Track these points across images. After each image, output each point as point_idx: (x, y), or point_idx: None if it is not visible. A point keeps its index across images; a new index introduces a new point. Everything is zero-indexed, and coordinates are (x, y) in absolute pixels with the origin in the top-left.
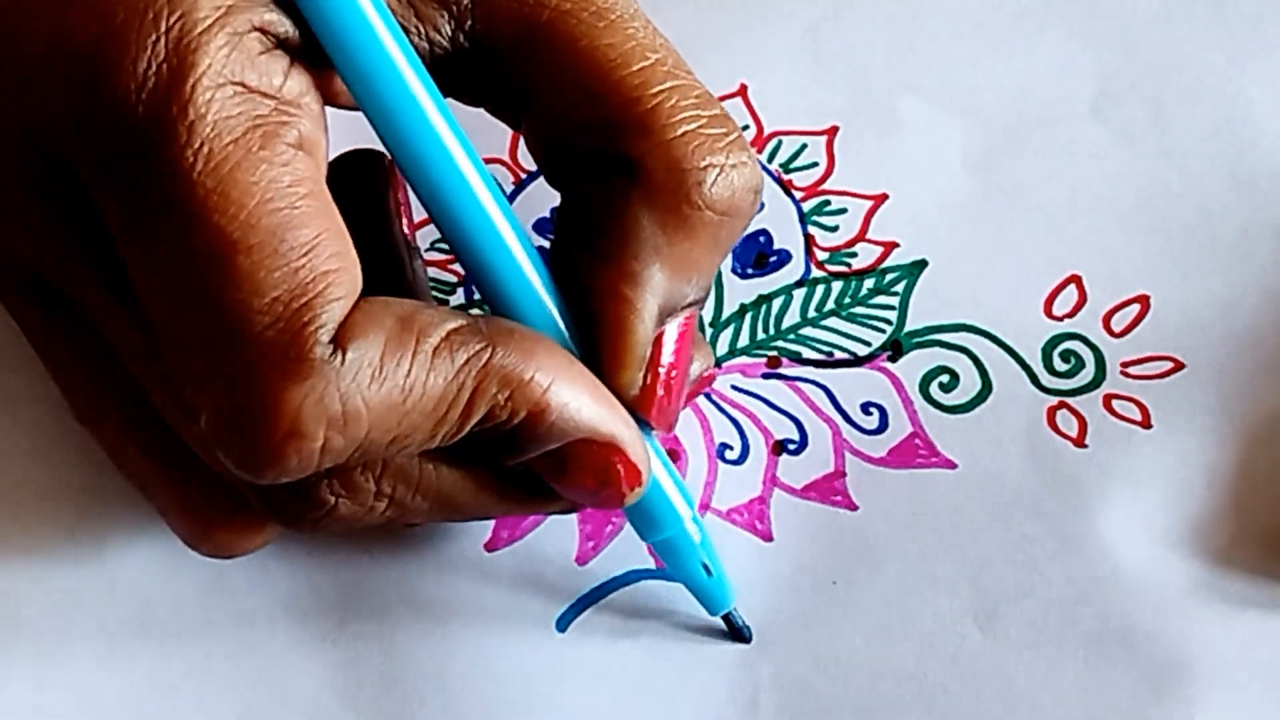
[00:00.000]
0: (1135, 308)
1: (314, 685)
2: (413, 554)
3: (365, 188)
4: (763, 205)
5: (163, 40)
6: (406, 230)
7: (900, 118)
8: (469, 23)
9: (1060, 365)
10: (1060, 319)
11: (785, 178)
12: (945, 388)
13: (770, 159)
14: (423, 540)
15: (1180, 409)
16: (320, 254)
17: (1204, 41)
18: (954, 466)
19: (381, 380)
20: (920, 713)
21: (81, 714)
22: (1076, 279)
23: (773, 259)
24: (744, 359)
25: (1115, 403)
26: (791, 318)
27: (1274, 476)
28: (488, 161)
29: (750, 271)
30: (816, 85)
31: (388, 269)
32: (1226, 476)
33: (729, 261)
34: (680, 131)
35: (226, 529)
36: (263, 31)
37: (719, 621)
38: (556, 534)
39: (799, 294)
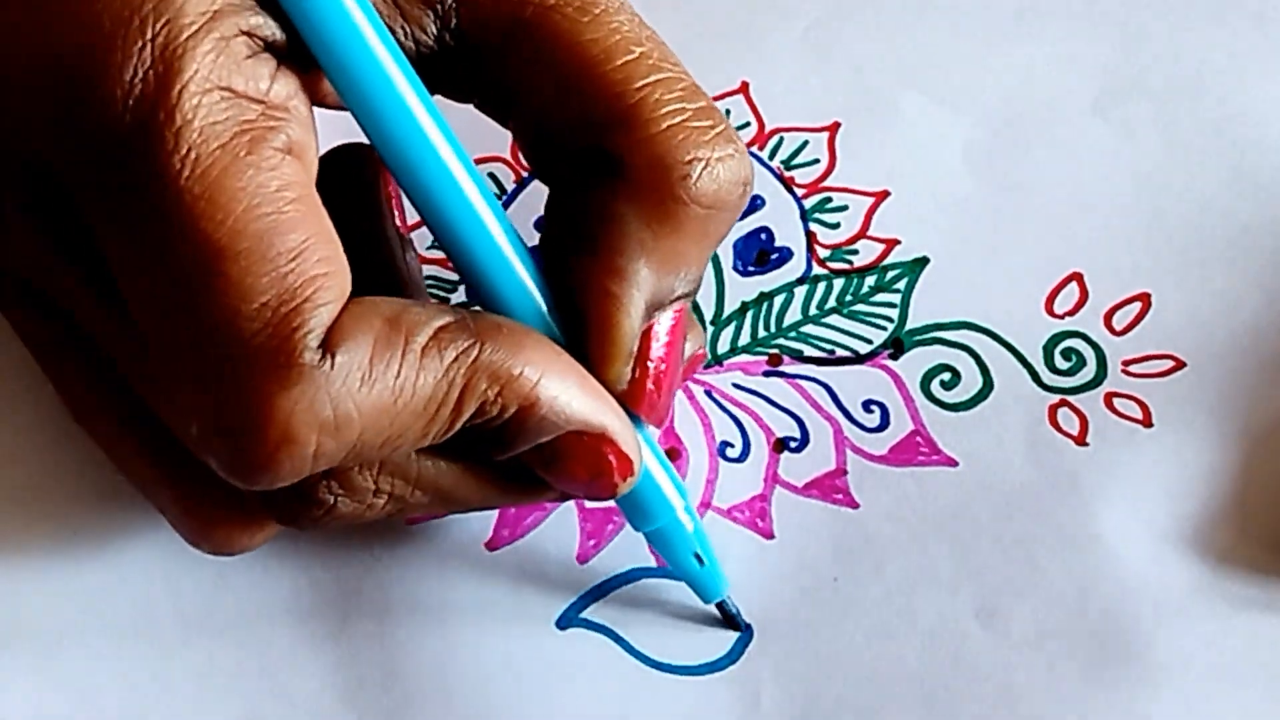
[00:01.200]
0: (1136, 305)
1: (315, 684)
2: (414, 552)
3: (355, 182)
4: (763, 202)
5: (149, 47)
6: (399, 223)
7: (902, 114)
8: (454, 21)
9: (1061, 363)
10: (1061, 317)
11: (787, 175)
12: (946, 385)
13: (771, 156)
14: (424, 539)
15: (1182, 408)
16: (308, 259)
17: (1205, 38)
18: (955, 464)
19: (371, 383)
20: (921, 711)
21: (83, 714)
22: (1078, 276)
23: (774, 256)
24: (745, 357)
25: (1117, 401)
26: (793, 315)
27: (1275, 476)
28: (489, 160)
29: (752, 269)
30: (818, 82)
31: (380, 263)
32: (1228, 476)
33: (730, 259)
34: (664, 126)
35: (226, 526)
36: (250, 35)
37: (719, 615)
38: (558, 532)
39: (800, 291)
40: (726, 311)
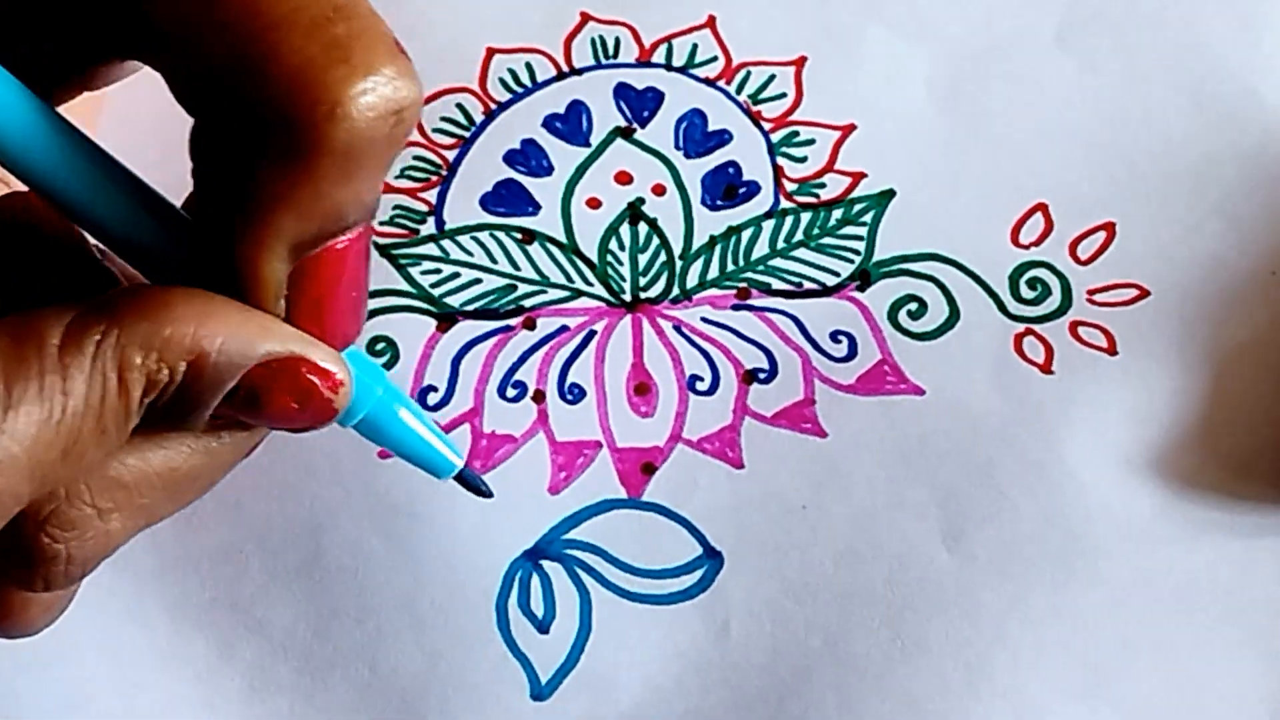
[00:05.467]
0: (1101, 235)
1: (289, 617)
2: (385, 486)
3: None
4: (731, 136)
5: None
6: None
7: (866, 47)
8: None
9: (1027, 293)
10: (1027, 247)
11: (754, 109)
12: (914, 315)
13: (739, 90)
14: (395, 472)
15: (1146, 336)
16: None
17: None
18: (922, 393)
19: (17, 407)
20: (888, 634)
21: (56, 648)
22: (1043, 207)
23: (742, 190)
24: (713, 291)
25: (1082, 329)
26: (761, 249)
27: (1238, 402)
28: (456, 91)
29: (719, 203)
30: (784, 16)
31: (78, 272)
32: (1191, 402)
33: (698, 193)
34: (292, 65)
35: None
36: None
37: (693, 549)
38: (529, 463)
39: (768, 225)
40: (694, 246)
